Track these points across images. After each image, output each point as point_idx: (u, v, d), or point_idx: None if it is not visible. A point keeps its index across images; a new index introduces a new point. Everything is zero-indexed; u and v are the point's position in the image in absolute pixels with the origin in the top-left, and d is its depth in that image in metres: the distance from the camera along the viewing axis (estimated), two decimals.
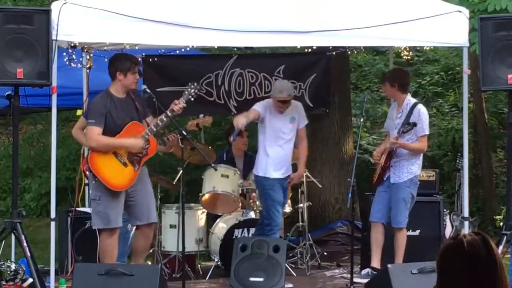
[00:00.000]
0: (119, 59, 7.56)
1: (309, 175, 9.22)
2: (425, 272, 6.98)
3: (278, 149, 8.21)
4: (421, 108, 8.37)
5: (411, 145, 8.30)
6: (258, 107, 8.33)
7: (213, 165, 8.26)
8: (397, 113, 8.44)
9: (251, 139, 9.83)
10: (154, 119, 7.64)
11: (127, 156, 7.47)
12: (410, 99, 8.45)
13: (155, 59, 10.01)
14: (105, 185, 7.41)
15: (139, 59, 8.07)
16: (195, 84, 7.83)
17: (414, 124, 8.17)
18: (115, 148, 7.46)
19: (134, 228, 8.16)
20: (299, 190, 9.14)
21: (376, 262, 8.31)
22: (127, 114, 7.50)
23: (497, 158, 13.36)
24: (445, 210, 9.43)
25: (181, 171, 8.19)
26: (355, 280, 7.92)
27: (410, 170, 8.29)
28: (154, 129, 7.52)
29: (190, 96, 7.71)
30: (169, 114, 7.52)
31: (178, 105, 7.54)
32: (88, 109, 7.60)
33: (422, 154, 8.46)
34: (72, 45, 8.60)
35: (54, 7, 6.98)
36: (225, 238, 8.71)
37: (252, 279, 7.43)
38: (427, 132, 8.33)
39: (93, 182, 7.47)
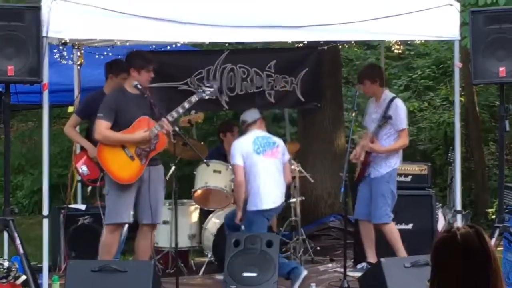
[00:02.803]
0: (134, 56, 7.58)
1: (302, 169, 9.20)
2: (418, 265, 6.99)
3: None
4: (398, 102, 8.34)
5: (391, 147, 8.25)
6: None
7: (205, 160, 8.24)
8: (374, 108, 8.44)
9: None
10: None
11: (135, 150, 7.47)
12: (387, 94, 8.43)
13: None
14: (111, 177, 7.44)
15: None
16: (213, 85, 7.91)
17: (389, 117, 8.14)
18: (121, 143, 7.47)
19: (127, 225, 8.15)
20: (292, 185, 9.12)
21: (372, 258, 8.31)
22: (139, 110, 7.47)
23: (489, 151, 13.38)
24: (437, 203, 9.43)
25: (173, 167, 8.18)
26: (348, 274, 7.91)
27: (389, 163, 8.26)
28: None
29: (204, 95, 7.75)
30: (187, 106, 7.57)
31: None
32: (101, 103, 7.59)
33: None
34: (63, 41, 8.58)
35: (44, 3, 6.93)
36: (218, 233, 8.70)
37: (245, 274, 7.42)
38: (405, 126, 8.29)
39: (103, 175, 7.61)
